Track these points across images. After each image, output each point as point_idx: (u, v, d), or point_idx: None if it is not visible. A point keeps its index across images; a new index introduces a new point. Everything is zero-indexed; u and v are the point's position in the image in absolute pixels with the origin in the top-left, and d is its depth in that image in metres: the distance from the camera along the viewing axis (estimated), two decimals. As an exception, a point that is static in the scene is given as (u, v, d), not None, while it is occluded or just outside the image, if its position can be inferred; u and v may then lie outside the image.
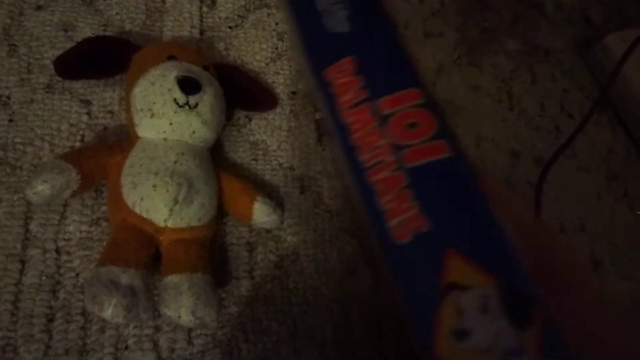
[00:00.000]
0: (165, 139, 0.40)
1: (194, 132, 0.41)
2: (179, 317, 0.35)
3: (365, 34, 0.21)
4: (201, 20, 0.53)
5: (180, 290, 0.36)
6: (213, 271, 0.39)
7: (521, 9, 0.68)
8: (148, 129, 0.40)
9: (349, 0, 0.21)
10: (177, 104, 0.40)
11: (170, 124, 0.40)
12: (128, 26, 0.51)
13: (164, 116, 0.39)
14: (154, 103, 0.39)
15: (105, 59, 0.44)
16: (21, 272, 0.38)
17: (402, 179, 0.18)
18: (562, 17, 0.69)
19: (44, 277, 0.39)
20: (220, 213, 0.43)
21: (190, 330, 0.39)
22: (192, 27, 0.53)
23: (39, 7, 0.49)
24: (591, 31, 0.68)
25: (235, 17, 0.55)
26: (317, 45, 0.21)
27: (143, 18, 0.51)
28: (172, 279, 0.37)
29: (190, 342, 0.39)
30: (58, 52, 0.44)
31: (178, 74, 0.40)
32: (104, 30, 0.50)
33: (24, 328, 0.37)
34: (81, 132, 0.44)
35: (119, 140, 0.44)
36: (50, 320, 0.38)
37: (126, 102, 0.42)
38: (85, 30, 0.49)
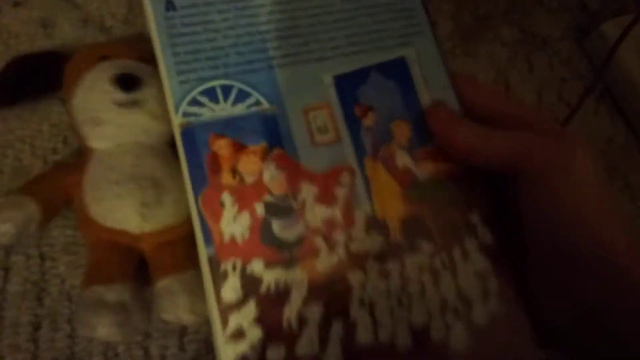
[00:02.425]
0: (118, 145, 0.37)
1: (145, 130, 0.38)
2: (179, 318, 0.34)
3: None
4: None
5: (174, 291, 0.34)
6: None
7: (516, -4, 0.67)
8: (97, 139, 0.37)
9: None
10: (119, 104, 0.37)
11: (118, 127, 0.37)
12: (109, 21, 0.49)
13: (109, 121, 0.37)
14: (94, 110, 0.37)
15: (37, 77, 0.41)
16: (5, 279, 0.37)
17: None
18: (559, 4, 0.68)
19: (28, 285, 0.37)
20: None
21: (182, 336, 0.38)
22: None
23: (16, 4, 0.47)
24: (588, 18, 0.67)
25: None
26: None
27: (124, 12, 0.50)
28: (163, 283, 0.35)
29: (182, 348, 0.38)
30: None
31: (113, 73, 0.37)
32: (84, 25, 0.48)
33: (10, 338, 0.36)
34: (63, 133, 0.43)
35: (74, 157, 0.42)
36: (37, 328, 0.36)
37: (69, 116, 0.40)
38: (65, 26, 0.47)
